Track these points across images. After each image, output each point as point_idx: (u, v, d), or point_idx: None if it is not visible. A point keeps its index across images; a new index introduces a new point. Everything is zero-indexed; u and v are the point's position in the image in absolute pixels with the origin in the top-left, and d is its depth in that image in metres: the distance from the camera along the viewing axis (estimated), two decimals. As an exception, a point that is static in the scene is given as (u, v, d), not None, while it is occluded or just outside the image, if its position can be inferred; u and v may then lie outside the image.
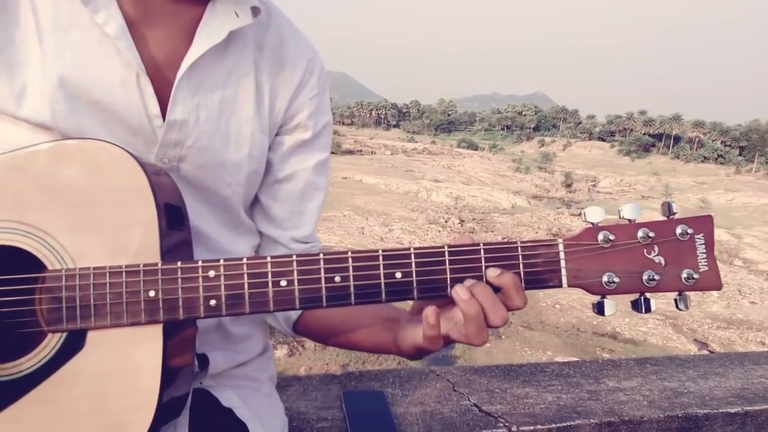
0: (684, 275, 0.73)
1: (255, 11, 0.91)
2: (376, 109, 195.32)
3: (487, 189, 61.37)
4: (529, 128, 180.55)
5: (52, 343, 0.74)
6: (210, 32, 0.87)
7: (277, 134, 1.00)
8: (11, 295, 0.75)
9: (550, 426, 1.36)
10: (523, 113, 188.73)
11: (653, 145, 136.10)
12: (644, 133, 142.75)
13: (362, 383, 1.51)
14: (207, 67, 0.88)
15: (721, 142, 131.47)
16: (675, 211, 0.75)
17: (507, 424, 1.34)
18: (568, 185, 76.36)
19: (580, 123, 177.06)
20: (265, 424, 0.98)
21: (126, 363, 0.74)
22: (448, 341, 0.79)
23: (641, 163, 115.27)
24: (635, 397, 1.53)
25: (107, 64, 0.83)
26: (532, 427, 1.34)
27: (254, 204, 1.04)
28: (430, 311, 0.76)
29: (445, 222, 43.29)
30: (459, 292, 0.75)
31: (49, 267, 0.74)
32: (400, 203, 47.88)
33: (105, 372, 0.74)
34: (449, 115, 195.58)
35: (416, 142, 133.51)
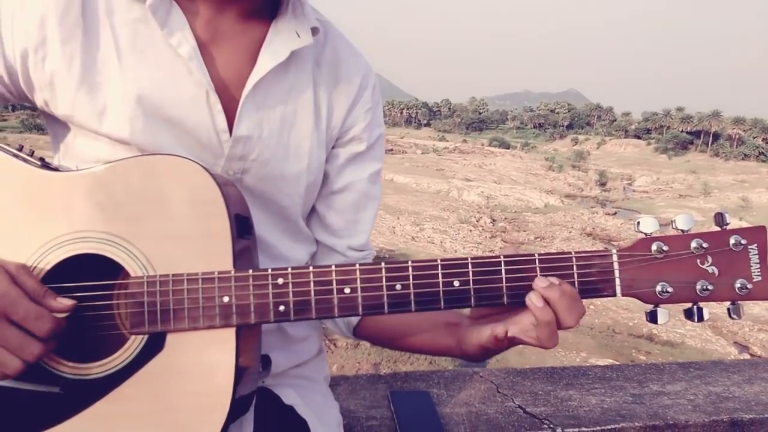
0: (737, 285, 0.76)
1: (314, 31, 0.95)
2: (407, 108, 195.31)
3: (519, 188, 60.80)
4: (562, 126, 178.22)
5: (134, 344, 0.80)
6: (273, 52, 0.92)
7: (333, 147, 1.05)
8: (96, 300, 0.81)
9: (594, 428, 1.38)
10: (556, 111, 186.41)
11: (691, 143, 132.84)
12: (682, 131, 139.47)
13: (408, 383, 1.56)
14: (270, 85, 0.93)
15: (763, 139, 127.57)
16: (728, 221, 0.77)
17: (552, 426, 1.37)
18: (603, 184, 75.08)
19: (615, 120, 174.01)
20: (324, 422, 1.03)
21: (202, 364, 0.79)
22: (515, 344, 0.83)
23: (679, 161, 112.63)
24: (680, 401, 1.54)
25: (180, 83, 0.88)
26: (576, 429, 1.36)
27: (311, 214, 1.09)
28: (501, 330, 0.81)
29: (477, 221, 43.06)
30: (533, 300, 0.78)
31: (132, 274, 0.80)
32: (431, 202, 47.78)
33: (183, 372, 0.79)
34: (480, 113, 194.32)
35: (447, 141, 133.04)
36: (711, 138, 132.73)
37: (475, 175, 67.04)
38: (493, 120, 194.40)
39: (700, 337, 22.76)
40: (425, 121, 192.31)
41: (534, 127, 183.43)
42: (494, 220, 44.27)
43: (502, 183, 63.81)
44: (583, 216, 47.97)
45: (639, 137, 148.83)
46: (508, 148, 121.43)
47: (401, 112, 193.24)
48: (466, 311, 0.91)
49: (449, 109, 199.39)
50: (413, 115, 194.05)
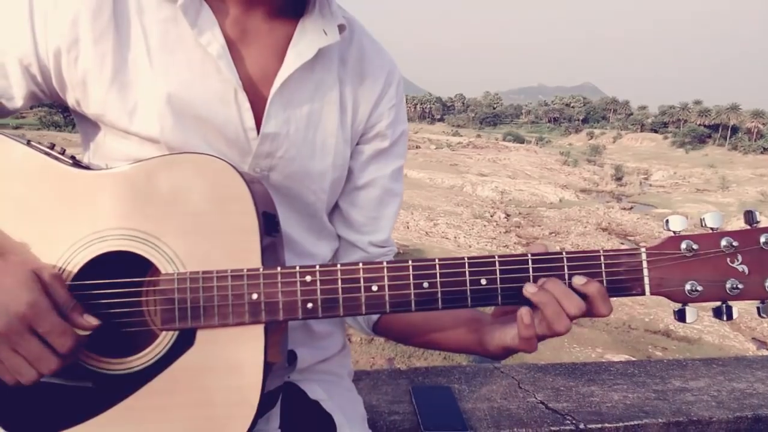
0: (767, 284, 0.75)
1: (341, 28, 0.96)
2: (421, 103, 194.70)
3: (534, 183, 60.40)
4: (578, 120, 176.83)
5: (165, 340, 0.81)
6: (300, 50, 0.93)
7: (357, 143, 1.06)
8: (127, 296, 0.83)
9: (617, 424, 1.38)
10: (571, 105, 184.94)
11: (709, 136, 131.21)
12: (699, 124, 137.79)
13: (429, 379, 1.57)
14: (296, 83, 0.94)
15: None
16: (758, 219, 0.76)
17: (574, 421, 1.37)
18: (619, 178, 74.31)
19: (631, 114, 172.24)
20: (348, 416, 1.04)
21: (231, 360, 0.80)
22: (538, 339, 0.83)
23: (696, 155, 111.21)
24: (703, 398, 1.53)
25: (208, 81, 0.89)
26: (599, 425, 1.36)
27: (334, 210, 1.10)
28: (525, 311, 0.80)
29: (491, 216, 42.88)
30: (527, 287, 0.78)
31: (162, 271, 0.81)
32: (445, 197, 47.66)
33: (212, 367, 0.80)
34: (495, 108, 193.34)
35: (461, 135, 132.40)
36: (729, 131, 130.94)
37: (489, 170, 66.70)
38: (507, 114, 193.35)
39: (717, 333, 22.51)
40: (439, 116, 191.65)
41: (549, 121, 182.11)
42: (508, 215, 44.05)
43: (517, 178, 63.44)
44: (598, 211, 47.53)
45: (656, 131, 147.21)
46: (523, 143, 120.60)
47: (415, 107, 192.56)
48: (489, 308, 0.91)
49: (463, 103, 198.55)
50: (427, 110, 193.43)
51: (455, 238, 35.14)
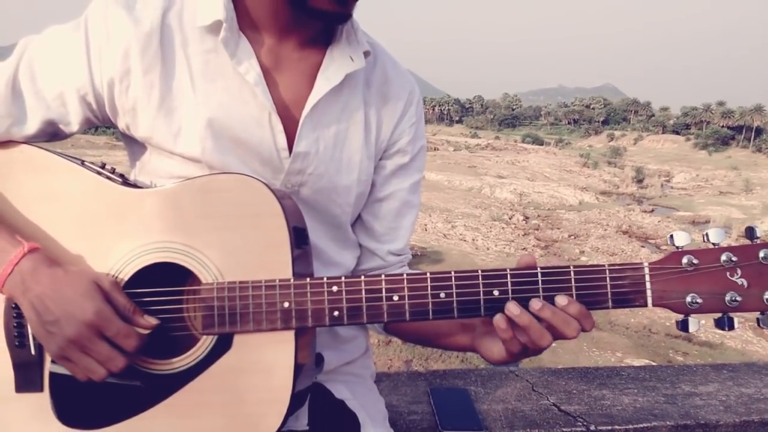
0: (766, 296, 0.80)
1: (365, 54, 1.03)
2: (439, 105, 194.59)
3: (553, 185, 59.93)
4: (598, 122, 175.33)
5: (205, 344, 0.89)
6: (329, 76, 1.01)
7: (380, 159, 1.13)
8: (171, 303, 0.91)
9: (627, 427, 1.43)
10: (591, 106, 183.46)
11: (732, 138, 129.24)
12: (722, 126, 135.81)
13: (447, 381, 1.63)
14: (325, 105, 1.02)
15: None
16: (758, 235, 0.81)
17: (585, 423, 1.43)
18: (640, 181, 73.40)
19: (653, 115, 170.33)
20: (371, 415, 1.12)
21: (265, 362, 0.88)
22: (522, 351, 0.90)
23: (719, 157, 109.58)
24: (711, 402, 1.58)
25: (245, 106, 0.97)
26: (609, 427, 1.42)
27: (356, 220, 1.17)
28: (498, 318, 0.86)
29: (509, 219, 42.65)
30: (510, 308, 0.85)
31: (203, 281, 0.89)
32: (463, 200, 47.53)
33: (248, 369, 0.88)
34: (513, 109, 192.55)
35: (479, 137, 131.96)
36: (753, 133, 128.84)
37: (507, 172, 66.39)
38: (526, 116, 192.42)
39: (740, 338, 22.16)
40: (457, 118, 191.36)
41: (568, 123, 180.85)
42: (527, 218, 43.75)
43: (536, 180, 63.04)
44: (618, 213, 47.01)
45: (677, 133, 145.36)
46: (542, 145, 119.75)
47: (433, 109, 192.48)
48: None
49: (482, 105, 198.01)
50: (445, 112, 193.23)
51: (473, 240, 35.04)
